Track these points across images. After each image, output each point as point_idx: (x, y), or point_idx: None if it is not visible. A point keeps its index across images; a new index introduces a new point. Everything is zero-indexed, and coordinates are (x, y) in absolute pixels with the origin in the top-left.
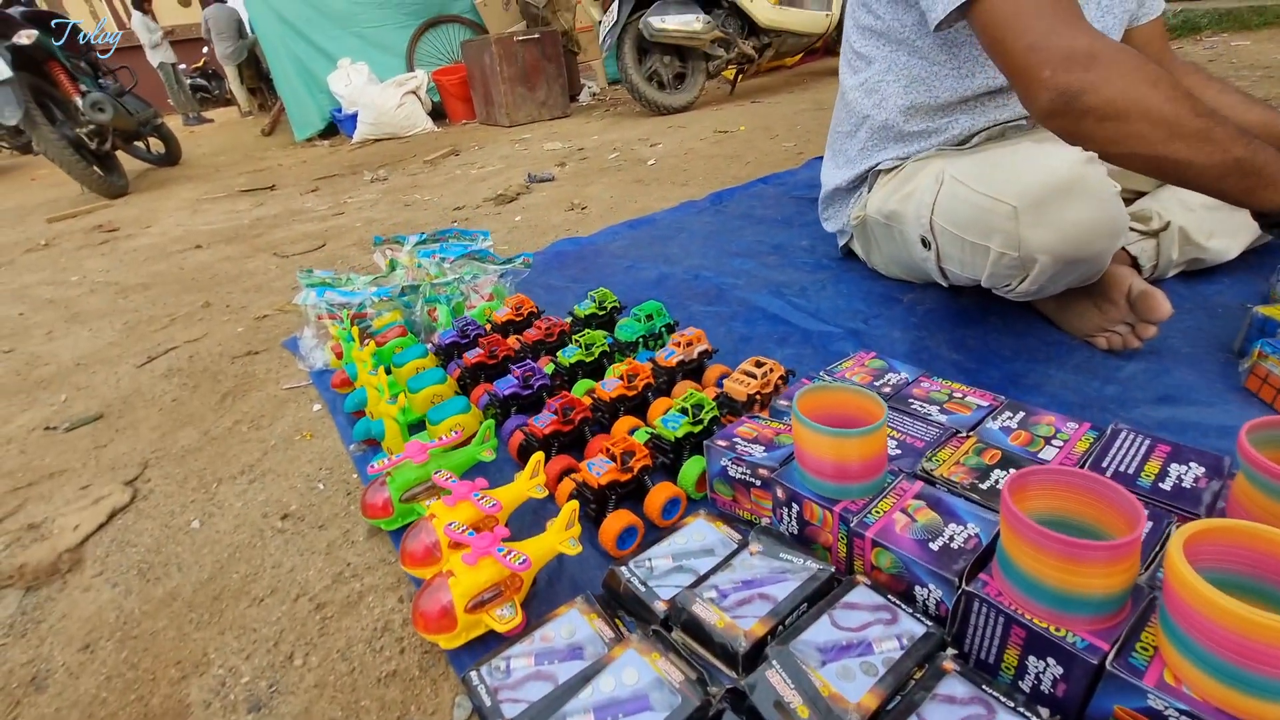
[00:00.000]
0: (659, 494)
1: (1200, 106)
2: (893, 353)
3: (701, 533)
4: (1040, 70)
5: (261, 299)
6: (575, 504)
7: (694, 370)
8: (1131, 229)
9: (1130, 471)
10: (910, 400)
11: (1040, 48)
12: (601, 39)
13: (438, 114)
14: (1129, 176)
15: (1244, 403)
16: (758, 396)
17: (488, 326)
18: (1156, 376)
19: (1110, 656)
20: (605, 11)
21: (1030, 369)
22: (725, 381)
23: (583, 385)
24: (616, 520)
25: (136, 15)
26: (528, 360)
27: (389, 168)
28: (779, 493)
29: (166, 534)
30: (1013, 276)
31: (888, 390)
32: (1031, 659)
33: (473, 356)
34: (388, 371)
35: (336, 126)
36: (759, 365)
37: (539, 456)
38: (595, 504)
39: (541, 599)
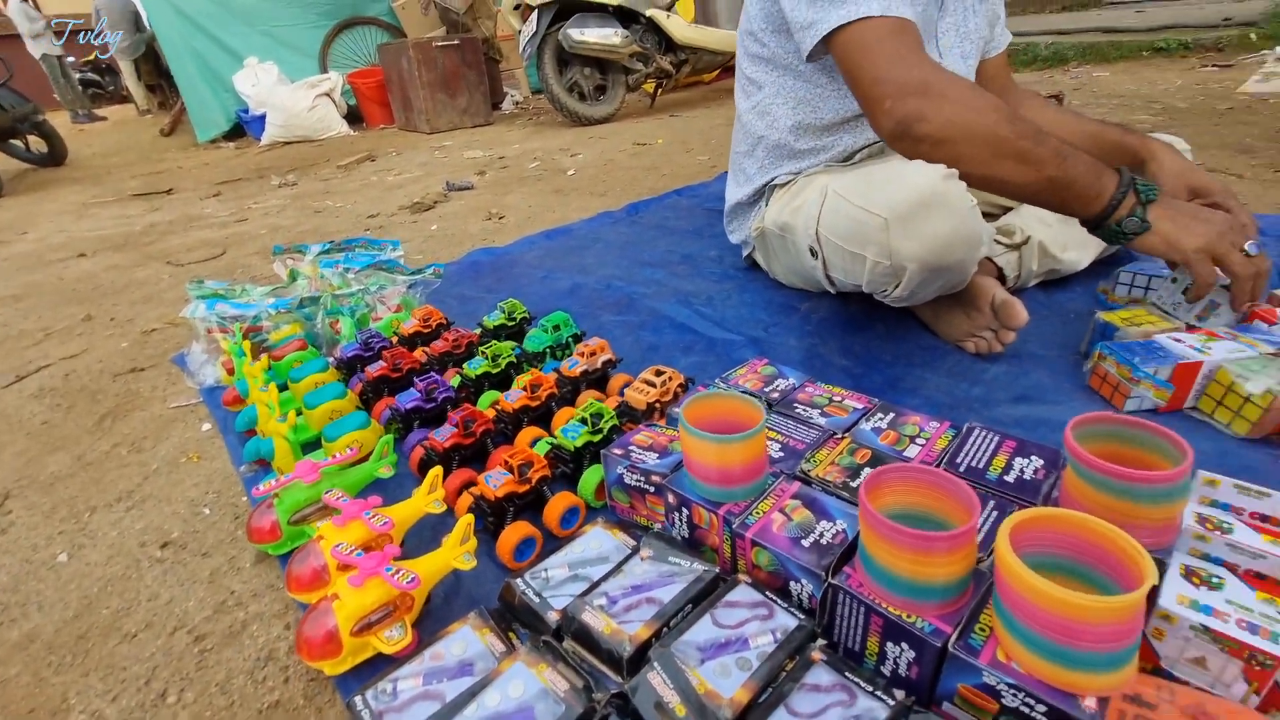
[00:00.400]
0: (557, 504)
1: (1024, 129)
2: (789, 359)
3: (598, 541)
4: (883, 100)
5: (151, 311)
6: (470, 518)
7: (598, 379)
8: (997, 242)
9: (981, 465)
10: (795, 405)
11: (883, 79)
12: (522, 48)
13: (354, 118)
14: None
15: (1087, 400)
16: (657, 405)
17: (394, 339)
18: (1015, 378)
19: (952, 639)
20: (525, 22)
21: (908, 372)
22: (626, 390)
23: (489, 397)
24: (514, 532)
25: (13, 2)
26: (431, 373)
27: (299, 172)
28: (670, 498)
29: (26, 570)
30: (888, 283)
31: (776, 395)
32: (890, 645)
33: (375, 370)
34: (283, 387)
35: (243, 128)
36: (659, 374)
37: (436, 471)
38: (493, 516)
39: (437, 616)
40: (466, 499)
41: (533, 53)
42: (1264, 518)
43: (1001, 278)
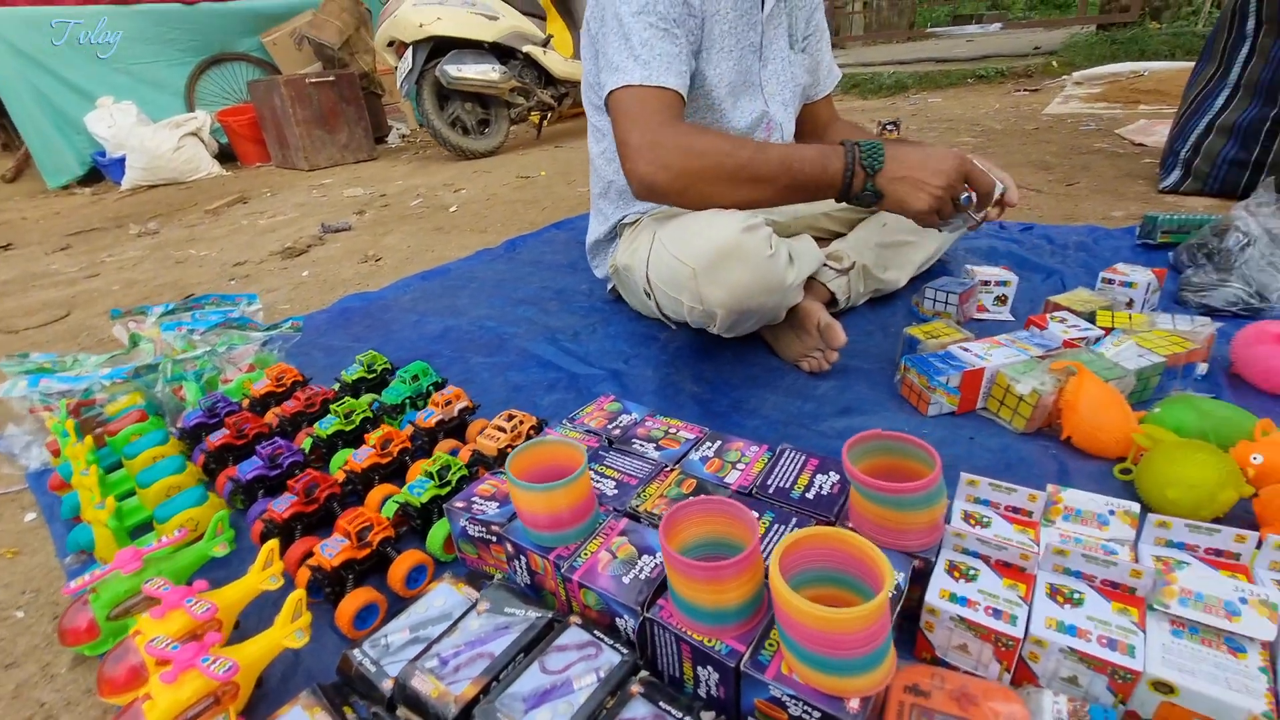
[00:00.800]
0: (402, 564)
1: (745, 156)
2: (646, 389)
3: (443, 598)
4: (626, 161)
5: None
6: (297, 595)
7: (457, 428)
8: (829, 268)
9: (787, 485)
10: (633, 440)
11: (626, 143)
12: (400, 84)
13: (227, 156)
14: (831, 218)
15: (899, 409)
16: (509, 450)
17: (244, 402)
18: (841, 392)
19: (744, 658)
20: (400, 59)
21: (751, 394)
22: (477, 438)
23: (342, 456)
24: (353, 600)
25: None
26: (276, 438)
27: (163, 218)
28: (508, 547)
29: None
30: (707, 322)
31: (617, 432)
32: (700, 669)
33: (217, 439)
34: (115, 466)
35: (101, 172)
36: (510, 419)
37: (271, 545)
38: (332, 586)
39: (273, 698)
40: (306, 572)
41: (410, 89)
42: (1015, 509)
43: (834, 300)
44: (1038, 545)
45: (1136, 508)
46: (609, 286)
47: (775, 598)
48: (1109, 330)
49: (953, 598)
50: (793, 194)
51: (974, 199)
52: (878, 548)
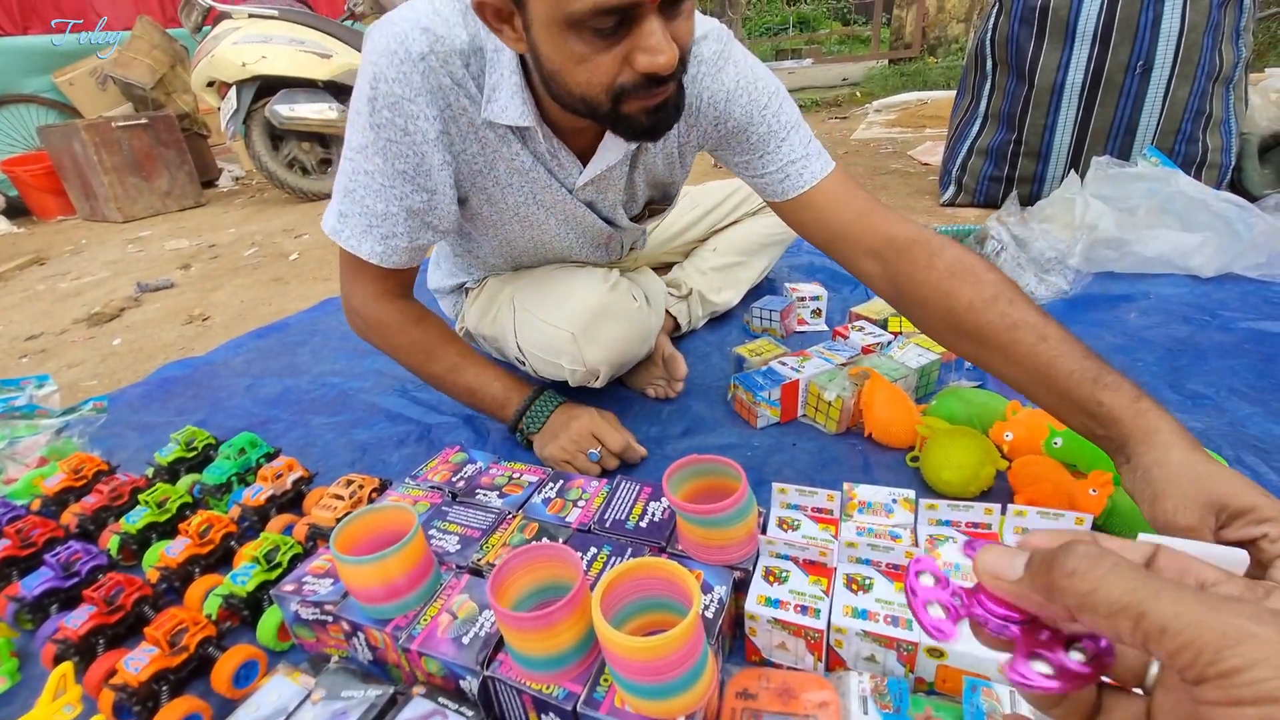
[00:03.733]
0: (226, 664)
1: (432, 370)
2: (499, 432)
3: (276, 692)
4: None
5: None
6: (60, 669)
7: (293, 501)
8: (672, 294)
9: (623, 517)
10: (477, 491)
11: (344, 294)
12: (224, 126)
13: (18, 210)
14: (668, 251)
15: (734, 424)
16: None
17: (35, 504)
18: (683, 413)
19: (580, 699)
20: (224, 99)
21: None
22: (314, 510)
23: (155, 552)
24: (168, 716)
25: None
26: (73, 542)
27: None
28: (344, 625)
29: None
30: (587, 381)
31: (462, 484)
32: (544, 717)
33: None
34: None
35: None
36: (348, 484)
37: (62, 670)
38: (142, 704)
39: None
40: (110, 693)
41: (236, 129)
42: (819, 510)
43: (678, 325)
44: (836, 540)
45: (913, 494)
46: (457, 326)
47: (598, 634)
48: (898, 334)
49: (768, 601)
50: (472, 408)
51: (601, 454)
52: (687, 570)
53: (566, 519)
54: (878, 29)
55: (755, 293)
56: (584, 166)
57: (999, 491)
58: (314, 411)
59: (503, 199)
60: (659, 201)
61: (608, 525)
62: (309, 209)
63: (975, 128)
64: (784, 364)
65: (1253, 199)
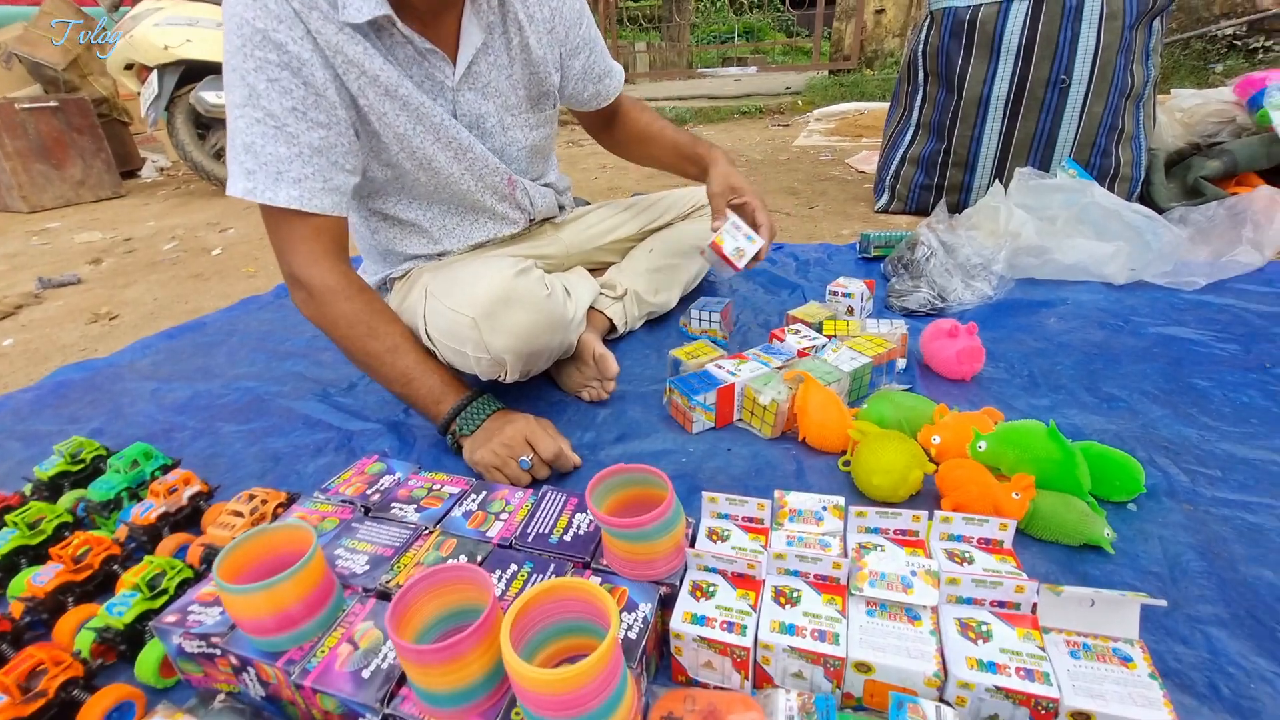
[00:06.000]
0: (93, 708)
1: (371, 348)
2: (425, 439)
3: None
4: (284, 278)
5: None
6: None
7: (189, 518)
8: (605, 296)
9: (547, 531)
10: (392, 505)
11: (280, 261)
12: (144, 112)
13: None
14: (603, 250)
15: (669, 429)
16: None
17: None
18: (618, 417)
19: None
20: (144, 83)
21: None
22: (210, 529)
23: (21, 580)
24: None
25: None
26: None
27: None
28: (232, 660)
29: None
30: (497, 371)
31: (377, 497)
32: None
33: None
34: None
35: None
36: (250, 499)
37: None
38: None
39: None
40: None
41: (158, 116)
42: (750, 519)
43: (614, 326)
44: (767, 551)
45: (842, 501)
46: None
47: (506, 666)
48: (832, 338)
49: (694, 619)
50: (404, 399)
51: (531, 462)
52: (604, 590)
53: (488, 534)
54: (818, 41)
55: (691, 295)
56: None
57: (928, 494)
58: (224, 418)
59: (387, 131)
60: (541, 109)
61: (530, 540)
62: (236, 202)
63: (907, 137)
64: (720, 367)
65: (1160, 210)
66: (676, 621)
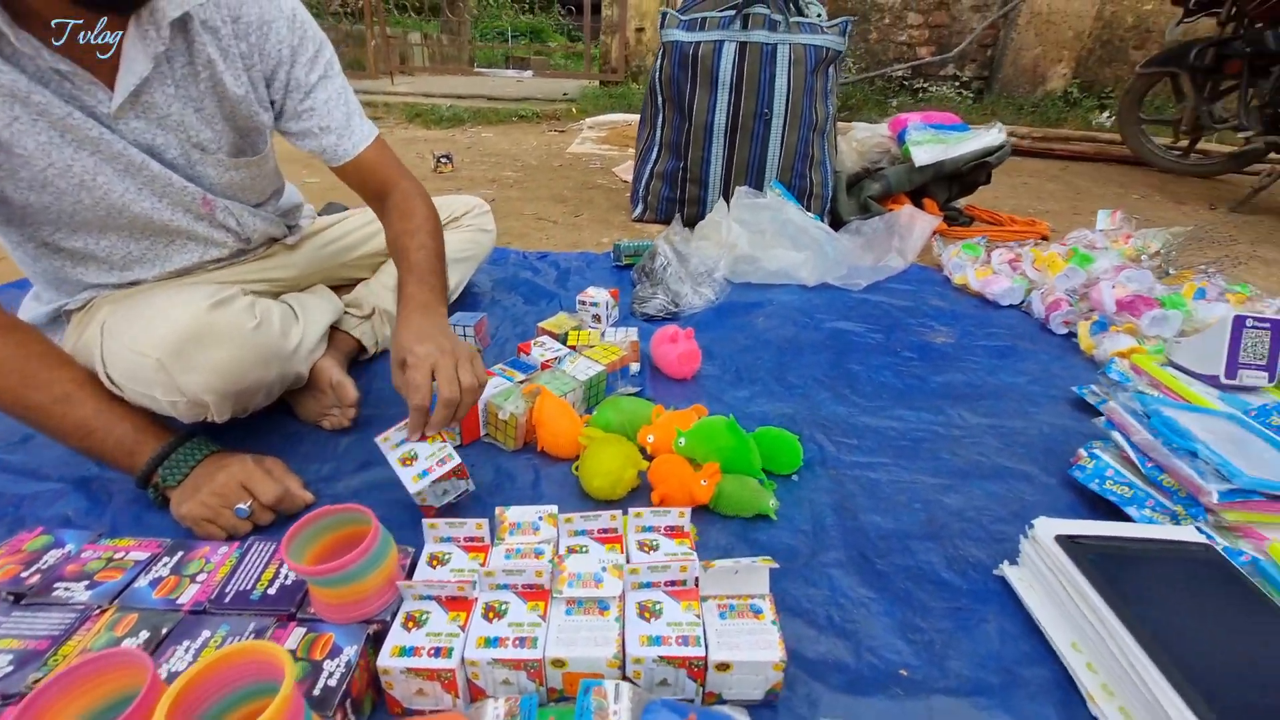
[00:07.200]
0: None
1: (31, 400)
2: (123, 494)
3: None
4: None
5: None
6: None
7: None
8: (351, 315)
9: (249, 586)
10: (56, 585)
11: None
12: None
13: None
14: (348, 266)
15: None
16: None
17: None
18: (362, 445)
19: None
20: None
21: (288, 464)
22: None
23: None
24: None
25: None
26: None
27: None
28: None
29: None
30: (198, 414)
31: (36, 579)
32: None
33: None
34: None
35: None
36: None
37: None
38: None
39: None
40: None
41: None
42: (470, 539)
43: (363, 347)
44: (480, 569)
45: (555, 509)
46: None
47: None
48: (574, 348)
49: (402, 651)
50: (89, 456)
51: (252, 509)
52: (274, 646)
53: (178, 600)
54: (589, 50)
55: (455, 307)
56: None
57: (646, 489)
58: None
59: (22, 141)
60: (245, 149)
61: (229, 600)
62: None
63: (654, 154)
64: None
65: (844, 223)
66: (384, 658)
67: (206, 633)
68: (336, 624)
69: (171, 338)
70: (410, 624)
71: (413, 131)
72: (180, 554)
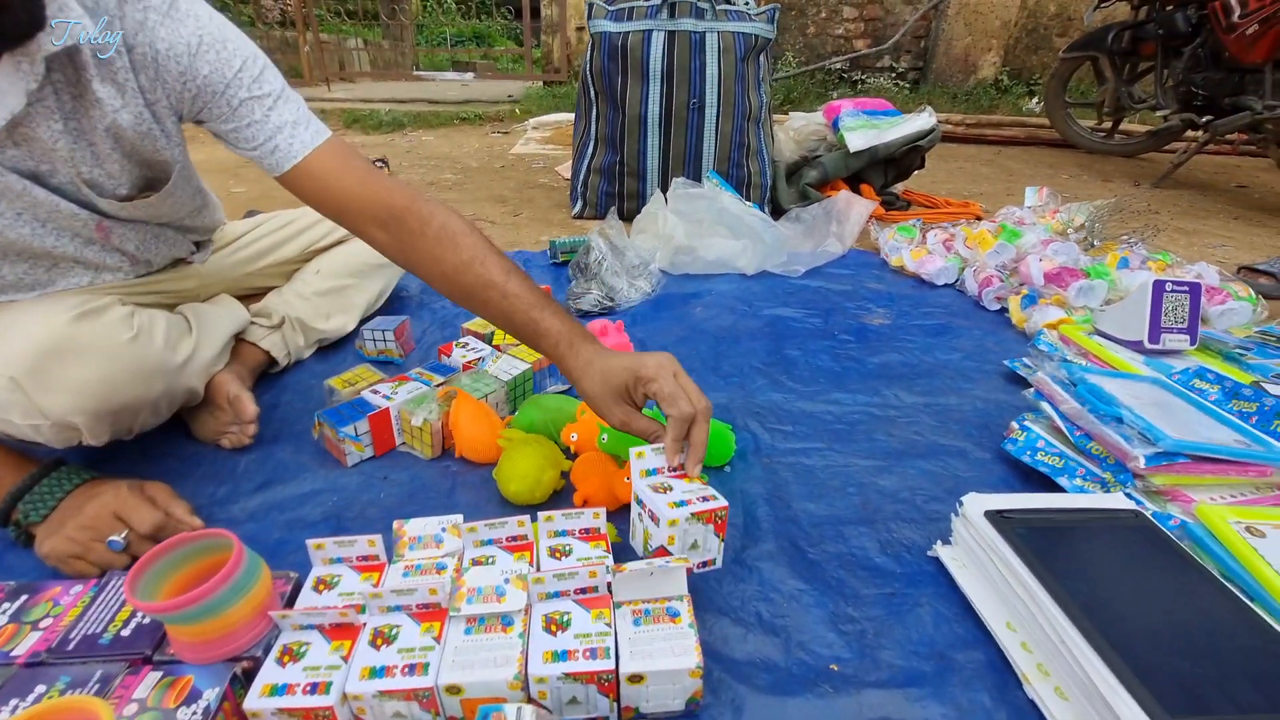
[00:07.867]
0: None
1: None
2: None
3: None
4: None
5: None
6: None
7: None
8: (258, 325)
9: (100, 630)
10: None
11: None
12: None
13: None
14: (257, 274)
15: (321, 465)
16: None
17: None
18: (262, 464)
19: None
20: None
21: (181, 487)
22: None
23: None
24: None
25: None
26: None
27: None
28: None
29: None
30: (69, 438)
31: None
32: None
33: None
34: None
35: None
36: None
37: None
38: None
39: None
40: None
41: None
42: (364, 558)
43: (273, 359)
44: (377, 589)
45: (460, 519)
46: None
47: None
48: (499, 347)
49: (273, 690)
50: None
51: (127, 540)
52: (79, 699)
53: (13, 652)
54: (529, 51)
55: (380, 312)
56: None
57: (570, 490)
58: None
59: None
60: (153, 181)
61: (73, 647)
62: None
63: (590, 149)
64: (376, 392)
65: (784, 211)
66: (252, 699)
67: (41, 687)
68: (198, 664)
69: (27, 353)
70: (286, 658)
71: (351, 137)
72: (24, 598)
